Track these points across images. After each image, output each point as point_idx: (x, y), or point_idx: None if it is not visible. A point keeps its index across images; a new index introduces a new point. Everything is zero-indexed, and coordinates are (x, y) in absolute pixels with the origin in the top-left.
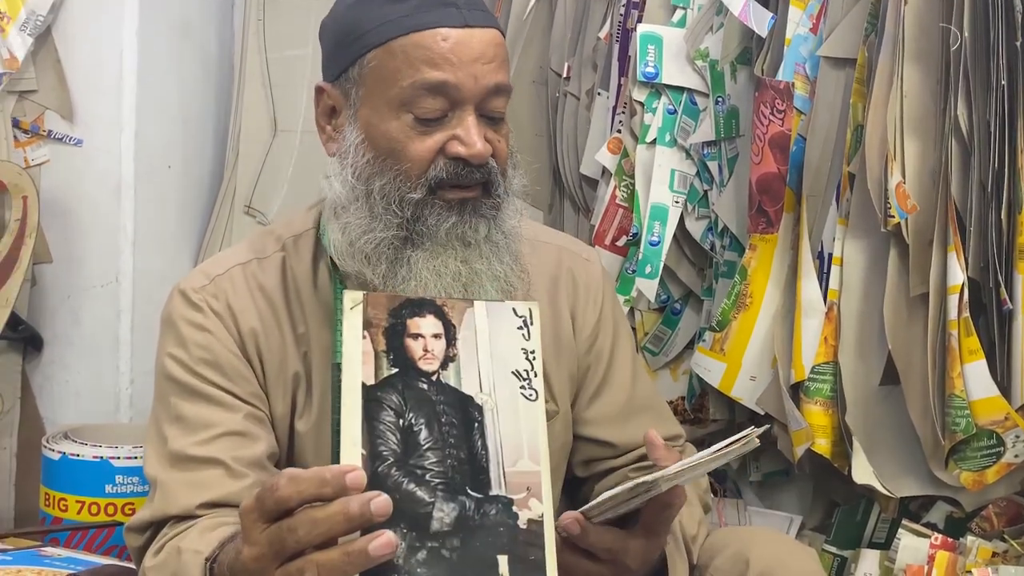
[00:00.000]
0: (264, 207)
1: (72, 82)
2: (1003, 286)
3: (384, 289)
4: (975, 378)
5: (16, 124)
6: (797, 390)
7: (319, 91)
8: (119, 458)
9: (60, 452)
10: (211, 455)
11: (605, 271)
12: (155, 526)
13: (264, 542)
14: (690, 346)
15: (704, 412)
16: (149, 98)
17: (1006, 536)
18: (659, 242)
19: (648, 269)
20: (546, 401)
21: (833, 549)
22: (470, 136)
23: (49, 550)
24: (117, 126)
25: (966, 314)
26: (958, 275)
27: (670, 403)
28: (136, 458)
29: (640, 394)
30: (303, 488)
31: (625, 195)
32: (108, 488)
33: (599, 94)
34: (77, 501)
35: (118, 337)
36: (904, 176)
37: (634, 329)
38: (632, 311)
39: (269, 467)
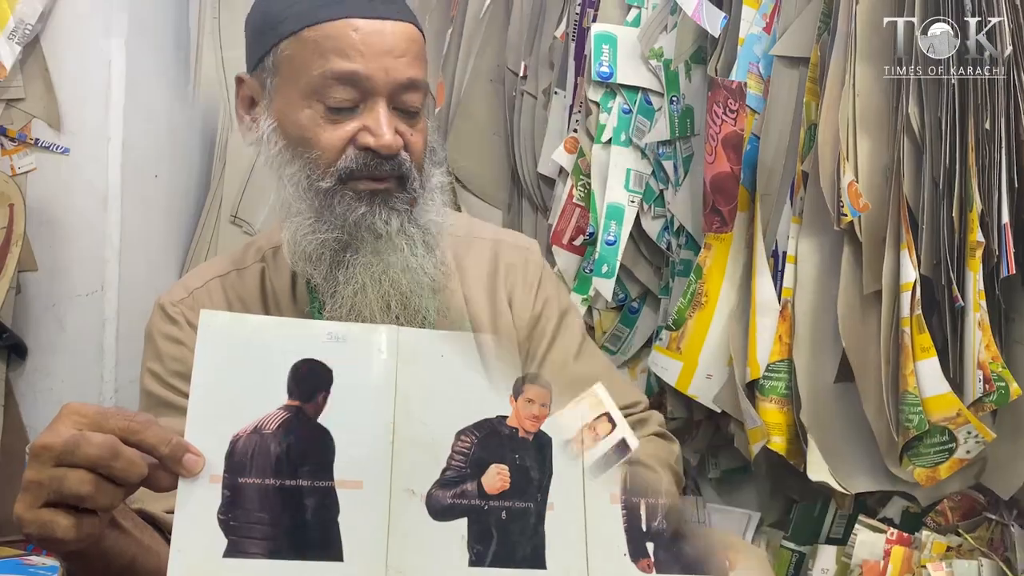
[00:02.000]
0: (250, 217)
1: (60, 91)
2: (955, 283)
3: (327, 288)
4: (928, 375)
5: (3, 132)
6: (753, 388)
7: (239, 81)
8: None
9: None
10: None
11: (543, 259)
12: None
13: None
14: (648, 344)
15: (663, 410)
16: (136, 107)
17: (960, 530)
18: (615, 241)
19: (605, 268)
20: None
21: (791, 545)
22: (380, 127)
23: (33, 558)
24: (104, 135)
25: (919, 311)
26: (910, 273)
27: None
28: None
29: (581, 370)
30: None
31: (582, 194)
32: None
33: (556, 93)
34: None
35: (102, 346)
36: (856, 174)
37: (592, 328)
38: (590, 310)
39: None
